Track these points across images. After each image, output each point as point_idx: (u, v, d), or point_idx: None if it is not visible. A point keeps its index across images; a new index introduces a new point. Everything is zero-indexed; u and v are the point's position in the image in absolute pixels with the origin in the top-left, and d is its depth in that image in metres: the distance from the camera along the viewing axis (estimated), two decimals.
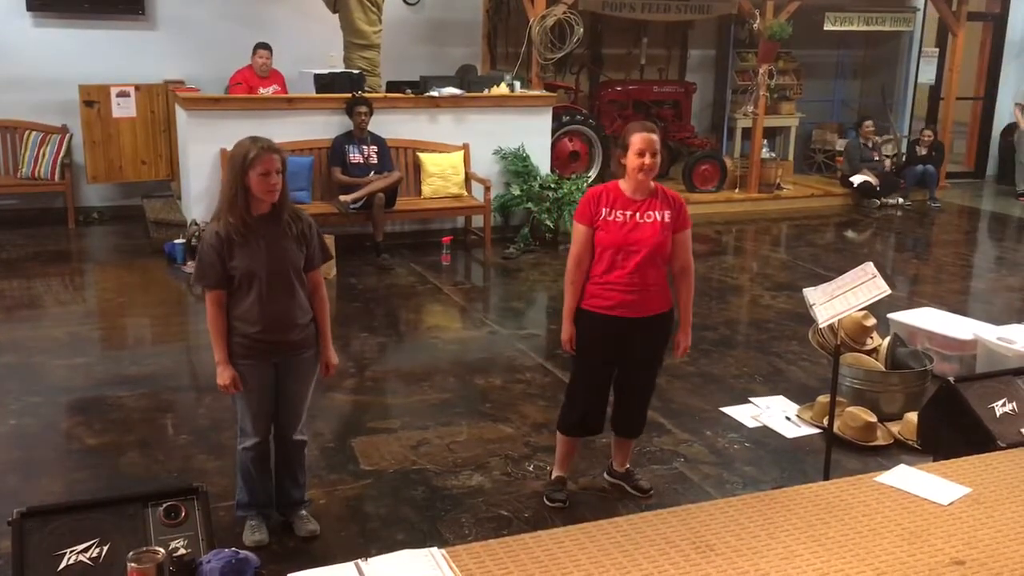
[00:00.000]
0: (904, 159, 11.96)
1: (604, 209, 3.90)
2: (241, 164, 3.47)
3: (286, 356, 3.67)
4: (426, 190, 8.75)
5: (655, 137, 3.86)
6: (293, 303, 3.64)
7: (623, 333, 3.93)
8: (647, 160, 3.83)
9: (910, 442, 4.76)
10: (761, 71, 10.84)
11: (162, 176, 9.53)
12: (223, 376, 3.59)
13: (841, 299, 3.96)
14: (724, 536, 2.99)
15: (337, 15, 9.11)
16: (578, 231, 3.97)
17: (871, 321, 5.39)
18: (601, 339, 3.95)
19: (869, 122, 11.64)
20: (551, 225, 8.77)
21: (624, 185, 3.93)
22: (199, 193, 8.22)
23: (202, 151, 8.16)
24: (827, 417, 4.27)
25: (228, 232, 3.50)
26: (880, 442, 4.83)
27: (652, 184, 3.94)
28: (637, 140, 3.83)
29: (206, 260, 3.54)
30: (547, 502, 4.14)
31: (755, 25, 10.62)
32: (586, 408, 4.08)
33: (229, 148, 8.39)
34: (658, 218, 3.92)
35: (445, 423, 4.99)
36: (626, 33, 11.63)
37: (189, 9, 9.63)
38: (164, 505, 2.98)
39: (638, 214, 3.89)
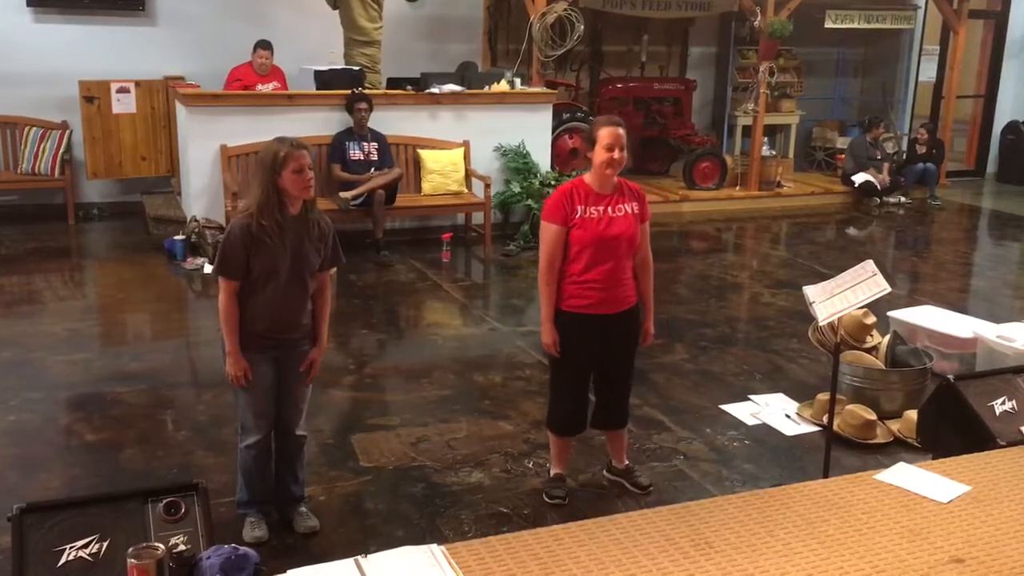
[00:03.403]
0: (904, 157, 11.95)
1: (579, 207, 3.87)
2: (272, 165, 3.47)
3: (286, 350, 3.67)
4: (426, 187, 8.75)
5: (623, 132, 3.86)
6: (302, 304, 3.67)
7: (602, 330, 3.96)
8: (615, 155, 3.82)
9: (910, 440, 4.76)
10: (762, 68, 10.82)
11: (162, 172, 9.53)
12: (235, 366, 3.59)
13: (841, 297, 3.96)
14: (723, 533, 2.99)
15: (337, 11, 9.10)
16: (550, 231, 3.92)
17: (871, 319, 5.39)
18: (583, 338, 3.96)
19: (883, 126, 11.63)
20: None
21: (590, 180, 3.92)
22: (199, 189, 8.22)
23: (202, 147, 8.16)
24: (827, 415, 4.27)
25: (259, 233, 3.50)
26: (879, 440, 4.83)
27: (615, 178, 3.93)
28: (605, 135, 3.83)
29: (230, 253, 3.52)
30: (547, 499, 4.14)
31: (756, 22, 10.60)
32: (573, 407, 4.10)
33: (229, 144, 8.49)
34: (628, 211, 3.94)
35: (445, 420, 4.99)
36: (627, 30, 11.63)
37: (189, 5, 9.62)
38: (164, 501, 2.98)
39: (610, 208, 3.89)
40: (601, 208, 3.88)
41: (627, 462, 4.33)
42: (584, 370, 4.07)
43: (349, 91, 8.37)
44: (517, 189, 8.90)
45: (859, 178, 11.26)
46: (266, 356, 3.64)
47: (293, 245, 3.56)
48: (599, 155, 3.84)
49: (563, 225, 3.88)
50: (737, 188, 11.12)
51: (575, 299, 3.92)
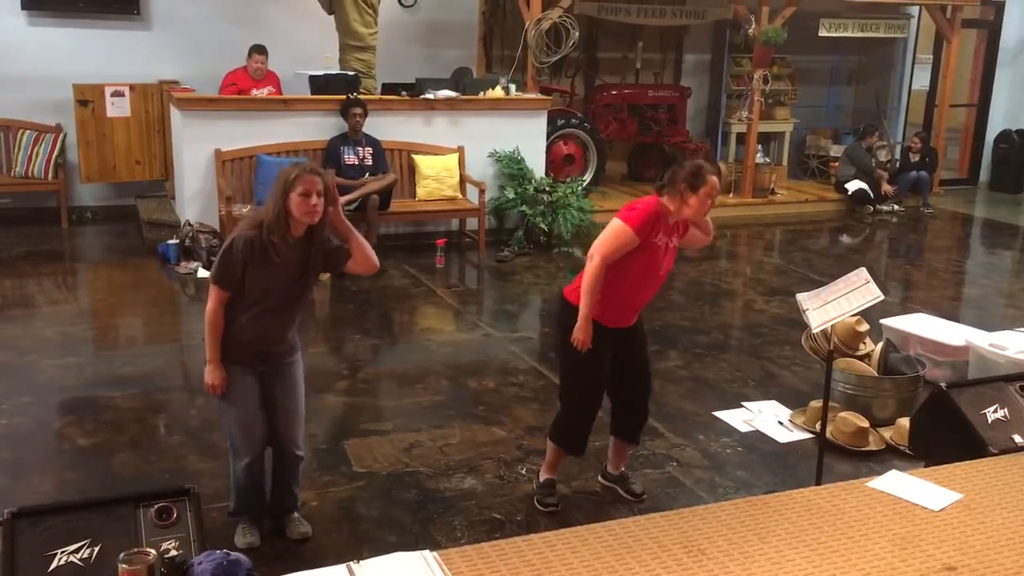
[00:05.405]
0: (898, 166, 12.00)
1: (660, 234, 3.85)
2: (283, 186, 3.48)
3: (270, 364, 3.67)
4: (420, 192, 8.75)
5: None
6: (290, 324, 3.68)
7: (619, 341, 4.01)
8: (712, 203, 3.83)
9: (902, 448, 4.77)
10: (756, 76, 10.86)
11: (156, 176, 9.51)
12: (212, 375, 3.58)
13: (834, 304, 3.97)
14: (716, 540, 2.99)
15: (333, 16, 9.11)
16: (627, 236, 3.80)
17: (864, 326, 5.40)
18: (603, 349, 3.97)
19: (877, 134, 11.67)
20: (545, 228, 8.77)
21: (668, 206, 3.85)
22: (193, 193, 8.21)
23: (196, 151, 8.15)
24: (819, 422, 4.28)
25: (264, 248, 3.49)
26: (872, 447, 4.84)
27: None
28: (713, 184, 3.77)
29: (229, 263, 3.51)
30: (539, 507, 4.14)
31: (750, 30, 10.63)
32: (588, 428, 4.10)
33: (224, 148, 8.49)
34: (673, 244, 3.97)
35: (438, 425, 4.99)
36: (621, 37, 11.66)
37: (184, 9, 9.61)
38: (156, 506, 2.97)
39: (669, 241, 3.92)
40: (664, 239, 3.89)
41: (623, 469, 4.33)
42: (602, 383, 4.06)
43: (344, 96, 8.38)
44: (511, 195, 8.90)
45: (852, 186, 11.28)
46: (248, 368, 3.63)
47: (288, 270, 3.55)
48: (701, 200, 3.78)
49: (641, 240, 3.81)
50: (731, 195, 11.13)
51: (603, 316, 3.93)
